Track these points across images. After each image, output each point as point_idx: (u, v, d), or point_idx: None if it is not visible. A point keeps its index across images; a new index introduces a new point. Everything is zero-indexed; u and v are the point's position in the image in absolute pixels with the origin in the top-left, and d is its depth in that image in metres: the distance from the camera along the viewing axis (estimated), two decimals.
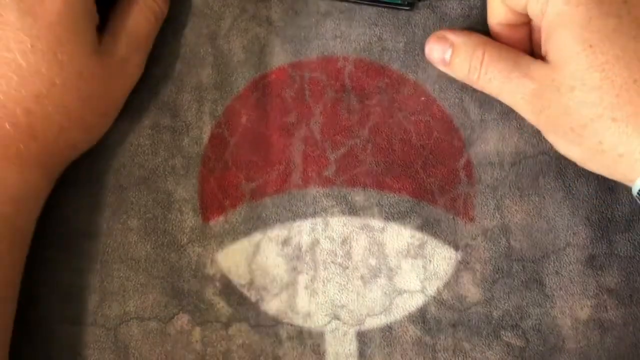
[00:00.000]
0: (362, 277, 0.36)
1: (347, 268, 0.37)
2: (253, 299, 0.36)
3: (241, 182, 0.37)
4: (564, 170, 0.36)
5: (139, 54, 0.35)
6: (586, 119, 0.32)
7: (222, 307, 0.36)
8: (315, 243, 0.37)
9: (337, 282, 0.36)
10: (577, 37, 0.31)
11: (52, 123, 0.32)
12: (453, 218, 0.37)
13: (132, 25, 0.35)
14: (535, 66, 0.33)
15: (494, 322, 0.36)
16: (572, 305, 0.36)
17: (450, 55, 0.36)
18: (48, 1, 0.31)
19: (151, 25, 0.35)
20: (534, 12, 0.33)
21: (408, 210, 0.37)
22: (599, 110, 0.31)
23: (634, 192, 0.33)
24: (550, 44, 0.33)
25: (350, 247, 0.37)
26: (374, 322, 0.36)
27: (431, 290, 0.36)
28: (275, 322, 0.36)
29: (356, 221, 0.37)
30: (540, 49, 0.35)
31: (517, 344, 0.36)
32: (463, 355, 0.36)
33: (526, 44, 0.36)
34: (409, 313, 0.36)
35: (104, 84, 0.34)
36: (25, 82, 0.31)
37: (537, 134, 0.37)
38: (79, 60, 0.32)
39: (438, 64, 0.36)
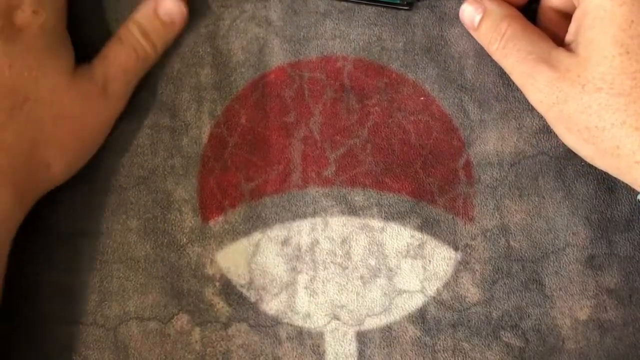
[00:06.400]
0: (361, 277, 0.36)
1: (347, 268, 0.37)
2: (253, 299, 0.36)
3: (240, 182, 0.37)
4: (564, 170, 0.36)
5: (116, 85, 0.35)
6: (607, 123, 0.31)
7: (222, 307, 0.36)
8: (314, 243, 0.37)
9: (336, 282, 0.36)
10: (615, 40, 0.31)
11: (24, 137, 0.33)
12: (452, 218, 0.37)
13: (112, 57, 0.35)
14: (559, 55, 0.32)
15: (493, 322, 0.36)
16: (571, 306, 0.36)
17: (479, 20, 0.35)
18: (26, 30, 0.33)
19: (131, 61, 0.36)
20: None
21: (407, 210, 0.37)
22: (622, 117, 0.31)
23: None
24: (582, 37, 0.32)
25: (350, 247, 0.37)
26: (374, 323, 0.36)
27: (431, 290, 0.36)
28: (275, 322, 0.36)
29: (356, 221, 0.37)
30: (563, 32, 0.33)
31: (517, 344, 0.36)
32: (463, 356, 0.36)
33: (564, 33, 0.34)
34: (409, 313, 0.36)
35: (79, 104, 0.34)
36: (0, 97, 0.32)
37: (536, 134, 0.37)
38: (52, 79, 0.33)
39: (467, 26, 0.36)
